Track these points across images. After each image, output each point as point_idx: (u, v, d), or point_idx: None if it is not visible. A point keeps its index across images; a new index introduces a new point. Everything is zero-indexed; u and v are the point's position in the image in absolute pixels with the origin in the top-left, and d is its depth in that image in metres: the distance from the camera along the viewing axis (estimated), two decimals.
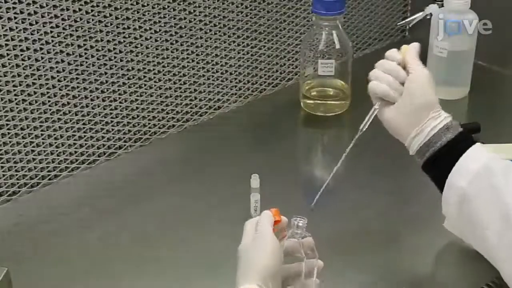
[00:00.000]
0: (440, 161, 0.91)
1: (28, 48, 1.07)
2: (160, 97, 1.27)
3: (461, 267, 1.00)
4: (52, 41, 1.09)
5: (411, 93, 0.93)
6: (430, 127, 0.92)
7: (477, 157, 0.89)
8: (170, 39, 1.23)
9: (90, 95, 1.17)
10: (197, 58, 1.29)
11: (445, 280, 0.98)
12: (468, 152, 0.89)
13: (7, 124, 1.09)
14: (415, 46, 0.97)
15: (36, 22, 1.06)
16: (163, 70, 1.25)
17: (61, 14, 1.08)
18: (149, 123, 1.27)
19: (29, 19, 1.05)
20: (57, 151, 1.16)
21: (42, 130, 1.13)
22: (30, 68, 1.08)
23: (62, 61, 1.11)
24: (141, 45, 1.20)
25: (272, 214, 0.85)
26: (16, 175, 1.13)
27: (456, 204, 0.90)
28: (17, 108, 1.09)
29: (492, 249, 0.87)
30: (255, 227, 0.83)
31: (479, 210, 0.87)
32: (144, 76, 1.23)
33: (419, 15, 1.38)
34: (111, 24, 1.15)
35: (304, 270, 0.83)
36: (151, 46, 1.21)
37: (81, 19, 1.11)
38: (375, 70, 0.98)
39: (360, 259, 0.98)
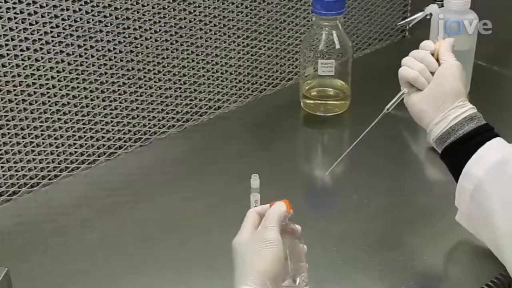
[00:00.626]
0: (460, 149, 0.92)
1: (28, 48, 1.07)
2: (160, 97, 1.27)
3: (460, 267, 1.00)
4: (52, 41, 1.09)
5: (440, 80, 0.96)
6: (454, 115, 0.93)
7: (497, 149, 0.90)
8: (170, 39, 1.23)
9: (90, 95, 1.17)
10: (197, 58, 1.29)
11: (444, 280, 0.98)
12: (488, 143, 0.90)
13: (7, 124, 1.09)
14: (450, 41, 1.00)
15: (36, 22, 1.06)
16: (163, 70, 1.25)
17: (61, 14, 1.08)
18: (149, 123, 1.27)
19: (29, 19, 1.05)
20: (57, 151, 1.16)
21: (42, 130, 1.13)
22: (30, 68, 1.08)
23: (62, 61, 1.11)
24: (141, 45, 1.20)
25: (286, 207, 0.83)
26: (16, 175, 1.13)
27: (470, 192, 0.90)
28: (17, 108, 1.09)
29: (500, 240, 0.87)
30: (260, 220, 0.82)
31: (492, 199, 0.88)
32: (144, 76, 1.23)
33: (419, 15, 1.38)
34: (111, 24, 1.15)
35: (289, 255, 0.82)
36: (151, 46, 1.21)
37: (81, 19, 1.11)
38: (408, 57, 1.00)
39: (360, 259, 0.98)
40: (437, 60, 0.98)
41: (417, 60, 0.98)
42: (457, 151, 0.92)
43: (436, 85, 0.96)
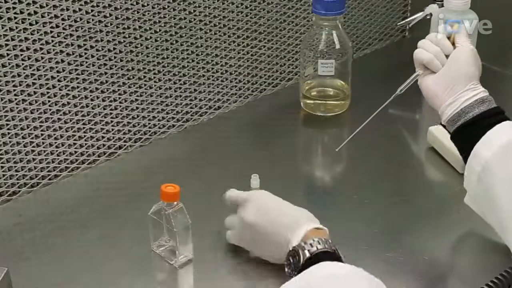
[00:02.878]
0: (470, 131, 0.93)
1: (28, 48, 1.07)
2: (160, 97, 1.27)
3: (461, 266, 1.00)
4: (52, 41, 1.09)
5: (455, 62, 0.97)
6: (466, 97, 0.94)
7: (506, 132, 0.91)
8: (170, 39, 1.23)
9: (90, 95, 1.17)
10: (197, 58, 1.29)
11: (444, 279, 0.98)
12: (498, 126, 0.91)
13: (7, 124, 1.09)
14: (466, 28, 1.02)
15: (36, 22, 1.06)
16: (163, 70, 1.25)
17: (61, 14, 1.08)
18: (149, 123, 1.27)
19: (29, 19, 1.05)
20: (57, 151, 1.16)
21: (42, 130, 1.13)
22: (30, 68, 1.08)
23: (62, 61, 1.11)
24: (141, 45, 1.20)
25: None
26: (16, 175, 1.13)
27: (477, 174, 0.91)
28: (17, 108, 1.09)
29: (506, 222, 0.88)
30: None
31: (498, 180, 0.89)
32: (144, 76, 1.23)
33: (419, 15, 1.38)
34: (111, 24, 1.15)
35: None
36: (151, 46, 1.21)
37: (81, 19, 1.11)
38: (424, 40, 1.02)
39: (360, 259, 0.98)
40: (453, 44, 0.99)
41: (432, 43, 1.00)
42: (467, 133, 0.93)
43: (450, 67, 0.97)
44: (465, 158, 0.93)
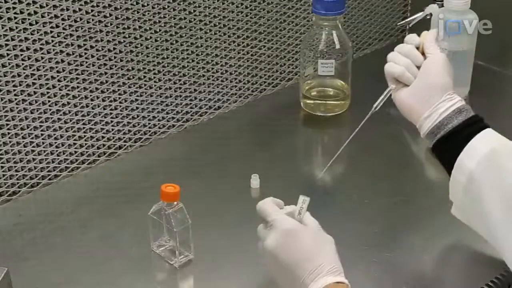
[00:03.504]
0: (451, 143, 0.92)
1: (28, 48, 1.07)
2: (160, 97, 1.27)
3: (461, 267, 1.00)
4: (52, 41, 1.09)
5: (427, 74, 0.95)
6: (443, 109, 0.92)
7: (487, 140, 0.90)
8: (170, 39, 1.23)
9: (90, 95, 1.17)
10: (197, 58, 1.29)
11: (444, 279, 0.98)
12: (479, 135, 0.90)
13: (7, 124, 1.09)
14: (433, 33, 1.00)
15: (36, 22, 1.06)
16: (163, 70, 1.25)
17: (61, 14, 1.08)
18: (149, 123, 1.27)
19: (29, 19, 1.05)
20: (57, 151, 1.16)
21: (42, 130, 1.13)
22: (30, 68, 1.08)
23: (62, 61, 1.11)
24: (141, 45, 1.20)
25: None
26: (16, 175, 1.13)
27: (463, 185, 0.90)
28: (17, 108, 1.09)
29: (495, 231, 0.87)
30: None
31: (485, 190, 0.87)
32: (144, 76, 1.23)
33: (419, 15, 1.38)
34: (111, 24, 1.15)
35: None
36: (151, 46, 1.21)
37: (81, 19, 1.11)
38: (393, 53, 0.99)
39: (360, 259, 0.98)
40: (423, 53, 0.98)
41: (402, 55, 0.98)
42: (448, 145, 0.92)
43: (423, 79, 0.95)
44: (448, 169, 0.92)
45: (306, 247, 0.83)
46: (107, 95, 1.19)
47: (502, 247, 0.86)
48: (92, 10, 1.12)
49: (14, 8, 1.03)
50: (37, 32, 1.07)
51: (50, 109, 1.13)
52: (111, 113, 1.21)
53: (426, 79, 0.95)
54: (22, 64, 1.07)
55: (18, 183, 1.14)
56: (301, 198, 0.90)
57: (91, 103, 1.18)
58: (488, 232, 0.89)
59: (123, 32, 1.17)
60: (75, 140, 1.18)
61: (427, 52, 0.97)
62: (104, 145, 1.22)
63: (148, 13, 1.19)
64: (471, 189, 0.89)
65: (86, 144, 1.20)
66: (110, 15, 1.14)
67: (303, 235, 0.84)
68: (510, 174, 0.86)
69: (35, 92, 1.10)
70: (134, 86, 1.22)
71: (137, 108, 1.24)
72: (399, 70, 0.97)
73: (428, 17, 1.36)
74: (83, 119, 1.18)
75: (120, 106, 1.22)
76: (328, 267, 0.82)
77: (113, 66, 1.18)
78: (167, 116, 1.29)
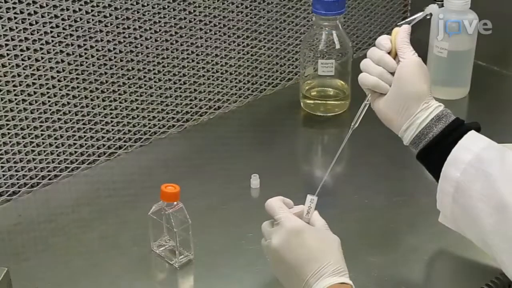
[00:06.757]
0: (433, 152, 0.89)
1: (28, 48, 1.07)
2: (160, 97, 1.27)
3: (461, 267, 1.00)
4: (52, 41, 1.09)
5: (400, 83, 0.91)
6: (421, 119, 0.90)
7: (469, 147, 0.87)
8: (170, 39, 1.23)
9: (90, 95, 1.17)
10: (197, 58, 1.29)
11: (444, 280, 0.98)
12: (460, 142, 0.88)
13: (7, 124, 1.09)
14: (405, 29, 0.95)
15: (36, 22, 1.06)
16: (163, 70, 1.25)
17: (61, 14, 1.08)
18: (149, 123, 1.27)
19: (29, 19, 1.05)
20: (57, 151, 1.16)
21: (42, 130, 1.13)
22: (30, 68, 1.08)
23: (62, 61, 1.11)
24: (141, 45, 1.20)
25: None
26: (16, 175, 1.13)
27: (452, 195, 0.88)
28: (17, 108, 1.09)
29: (488, 239, 0.85)
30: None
31: (474, 199, 0.85)
32: (144, 76, 1.23)
33: (419, 15, 1.37)
34: (111, 24, 1.15)
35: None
36: (151, 46, 1.21)
37: (81, 19, 1.11)
38: (365, 61, 0.95)
39: (360, 260, 0.98)
40: (396, 54, 0.93)
41: (374, 63, 0.94)
42: (431, 154, 0.90)
43: (397, 88, 0.91)
44: (436, 178, 0.90)
45: (312, 247, 0.83)
46: (107, 95, 1.19)
47: (496, 254, 0.85)
48: (92, 10, 1.12)
49: (14, 8, 1.03)
50: (37, 32, 1.07)
51: (50, 109, 1.13)
52: (111, 113, 1.21)
53: (401, 90, 0.91)
54: (22, 64, 1.07)
55: (18, 183, 1.14)
56: (308, 198, 0.90)
57: (91, 103, 1.18)
58: (480, 239, 0.88)
59: (123, 32, 1.17)
60: (75, 140, 1.18)
61: (400, 56, 0.92)
62: (104, 145, 1.22)
63: (148, 13, 1.19)
64: (460, 199, 0.87)
65: (86, 144, 1.20)
66: (110, 15, 1.14)
67: (309, 236, 0.84)
68: (496, 180, 0.83)
69: (35, 92, 1.10)
70: (134, 86, 1.22)
71: (137, 108, 1.24)
72: (372, 81, 0.93)
73: (428, 17, 1.36)
74: (83, 119, 1.18)
75: (120, 106, 1.22)
76: (333, 267, 0.82)
77: (113, 66, 1.18)
78: (167, 116, 1.29)
